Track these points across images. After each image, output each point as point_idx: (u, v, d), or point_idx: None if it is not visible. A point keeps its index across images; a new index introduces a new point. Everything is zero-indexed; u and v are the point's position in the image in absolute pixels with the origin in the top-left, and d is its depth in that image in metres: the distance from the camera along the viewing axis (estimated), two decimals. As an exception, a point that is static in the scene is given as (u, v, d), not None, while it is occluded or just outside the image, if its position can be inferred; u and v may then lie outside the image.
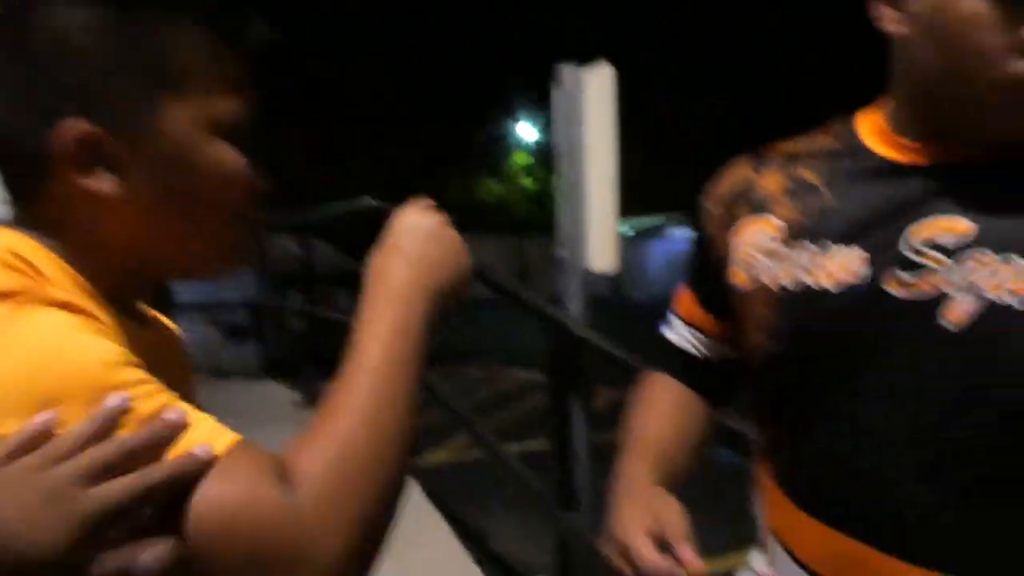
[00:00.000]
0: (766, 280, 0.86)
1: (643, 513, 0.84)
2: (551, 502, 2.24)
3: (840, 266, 0.80)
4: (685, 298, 1.04)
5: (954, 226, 0.76)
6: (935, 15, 0.75)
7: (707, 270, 0.98)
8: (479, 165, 32.22)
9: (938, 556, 0.76)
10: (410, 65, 31.09)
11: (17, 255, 0.59)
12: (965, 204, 0.77)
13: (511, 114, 34.61)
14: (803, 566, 0.84)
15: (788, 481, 0.87)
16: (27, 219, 0.64)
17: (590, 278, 2.08)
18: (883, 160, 0.83)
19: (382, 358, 0.62)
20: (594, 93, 2.05)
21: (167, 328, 0.79)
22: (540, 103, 34.33)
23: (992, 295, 0.73)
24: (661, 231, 26.30)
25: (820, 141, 0.91)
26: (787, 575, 0.86)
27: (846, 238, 0.81)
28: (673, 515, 0.83)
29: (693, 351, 1.02)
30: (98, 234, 0.65)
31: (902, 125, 0.83)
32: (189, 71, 0.65)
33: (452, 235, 0.73)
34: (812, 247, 0.83)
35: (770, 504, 0.90)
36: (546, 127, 34.19)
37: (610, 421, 2.94)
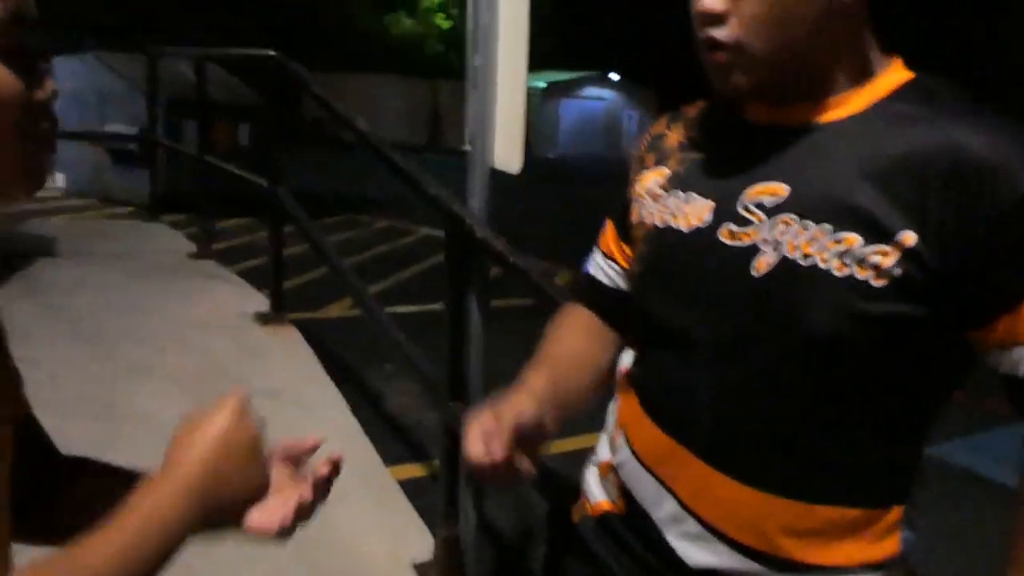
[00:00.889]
0: (646, 219, 1.02)
1: (488, 411, 0.93)
2: (443, 392, 2.28)
3: (693, 213, 0.95)
4: (607, 231, 1.15)
5: (774, 190, 0.88)
6: None
7: (623, 208, 1.10)
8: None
9: (726, 459, 0.91)
10: None
11: None
12: (786, 167, 0.89)
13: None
14: (634, 453, 1.00)
15: (635, 384, 1.03)
16: None
17: (495, 176, 2.04)
18: (741, 121, 0.95)
19: (132, 546, 0.63)
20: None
21: None
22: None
23: (788, 253, 0.85)
24: (574, 88, 25.88)
25: (712, 104, 1.03)
26: (623, 460, 1.02)
27: (704, 190, 0.95)
28: (509, 411, 0.92)
29: (606, 280, 1.13)
30: None
31: None
32: None
33: (250, 450, 0.70)
34: (681, 195, 0.97)
35: (623, 402, 1.05)
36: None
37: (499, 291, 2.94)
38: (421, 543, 2.47)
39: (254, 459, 0.70)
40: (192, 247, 4.96)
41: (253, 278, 4.43)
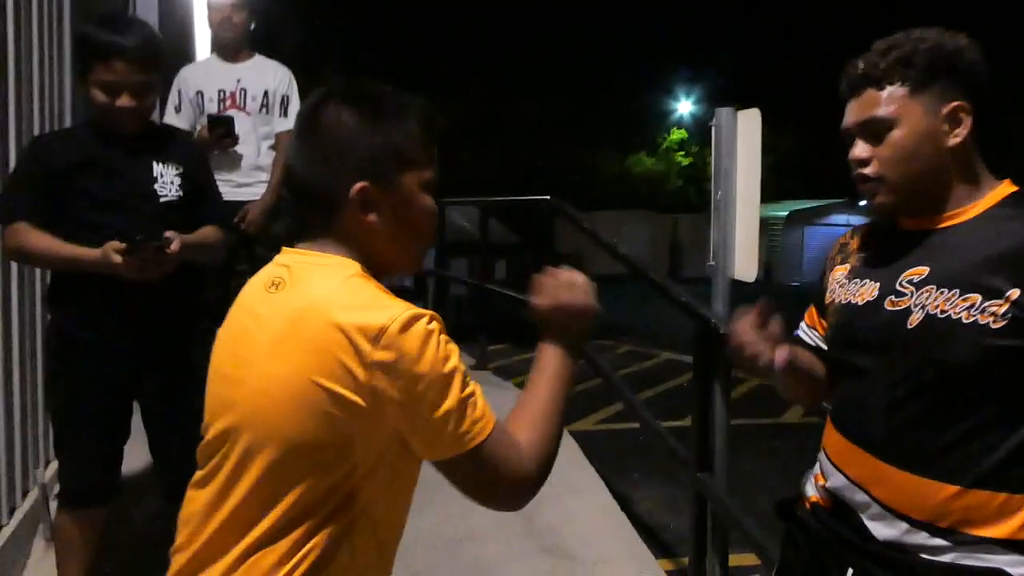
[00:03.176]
0: (836, 299, 1.48)
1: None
2: (691, 464, 2.72)
3: (866, 291, 1.40)
4: (811, 311, 1.62)
5: (920, 271, 1.33)
6: None
7: (820, 295, 1.56)
8: (634, 140, 32.14)
9: (890, 454, 1.32)
10: (570, 44, 31.31)
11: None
12: (927, 256, 1.34)
13: (668, 89, 34.23)
14: (830, 459, 1.43)
15: (832, 413, 1.47)
16: (326, 237, 1.13)
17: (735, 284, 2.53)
18: (898, 229, 1.42)
19: (554, 382, 1.20)
20: (744, 134, 2.48)
21: None
22: (697, 77, 33.84)
23: (931, 311, 1.28)
24: (819, 215, 25.42)
25: (881, 223, 1.50)
26: (825, 466, 1.45)
27: (873, 277, 1.41)
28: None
29: (809, 341, 1.59)
30: (370, 247, 1.14)
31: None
32: (412, 154, 1.14)
33: (586, 291, 1.26)
34: (858, 281, 1.44)
35: (825, 429, 1.49)
36: (700, 101, 33.67)
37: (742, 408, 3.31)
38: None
39: (585, 290, 1.26)
40: (472, 361, 5.79)
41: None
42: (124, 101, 2.22)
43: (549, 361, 1.21)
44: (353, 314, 1.02)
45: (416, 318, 1.03)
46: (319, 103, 1.14)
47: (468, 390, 1.05)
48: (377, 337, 1.00)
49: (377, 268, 1.15)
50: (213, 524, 1.08)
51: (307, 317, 1.04)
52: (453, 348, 1.06)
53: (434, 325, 1.04)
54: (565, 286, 1.25)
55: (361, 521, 1.08)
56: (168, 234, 2.20)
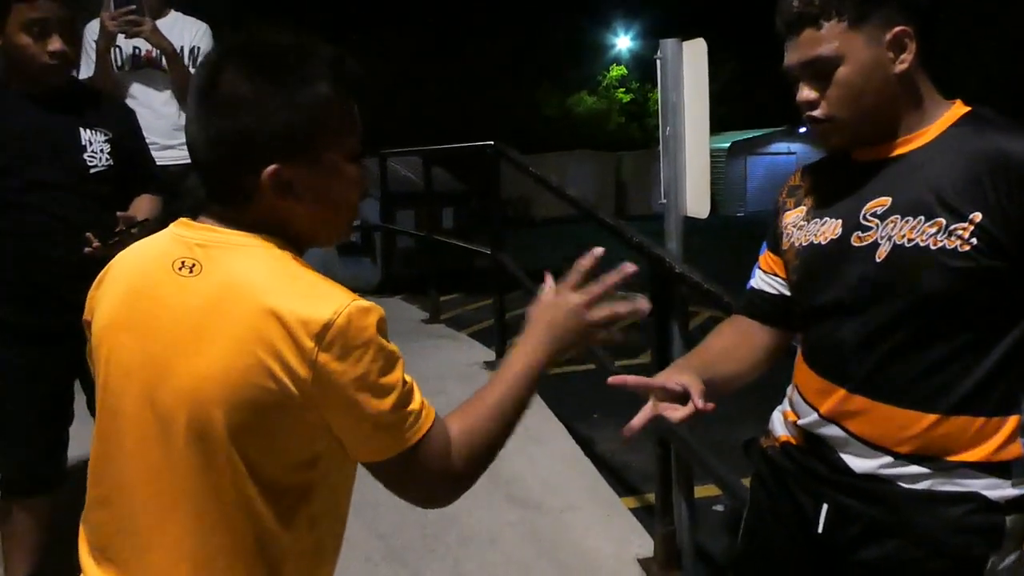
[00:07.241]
0: (795, 243, 1.43)
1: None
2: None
3: (828, 230, 1.35)
4: (765, 256, 1.54)
5: (882, 202, 1.29)
6: None
7: (775, 236, 1.51)
8: (575, 79, 31.82)
9: (866, 388, 1.29)
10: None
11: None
12: (887, 186, 1.29)
13: (605, 25, 33.85)
14: (803, 397, 1.40)
15: (805, 353, 1.43)
16: (239, 215, 1.00)
17: (688, 221, 2.48)
18: (852, 161, 1.36)
19: (515, 382, 1.11)
20: (691, 65, 2.40)
21: None
22: (633, 11, 33.52)
23: (898, 241, 1.25)
24: (761, 144, 25.59)
25: (831, 158, 1.44)
26: (798, 405, 1.43)
27: (833, 214, 1.36)
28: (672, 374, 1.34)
29: (770, 289, 1.53)
30: (290, 227, 1.02)
31: None
32: (329, 123, 0.99)
33: (580, 312, 1.18)
34: (818, 221, 1.38)
35: (796, 367, 1.45)
36: (638, 36, 33.43)
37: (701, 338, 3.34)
38: (643, 543, 2.87)
39: (579, 312, 1.19)
40: (424, 315, 5.72)
41: (477, 339, 5.07)
42: (56, 44, 2.04)
43: (522, 359, 1.14)
44: (292, 303, 0.93)
45: (361, 311, 0.95)
46: (214, 70, 0.98)
47: (407, 388, 0.99)
48: (321, 334, 0.92)
49: (300, 243, 1.05)
50: (164, 542, 1.00)
51: (232, 300, 0.95)
52: (390, 344, 0.99)
53: (377, 317, 0.97)
54: (565, 314, 1.19)
55: (322, 488, 1.03)
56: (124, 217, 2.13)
